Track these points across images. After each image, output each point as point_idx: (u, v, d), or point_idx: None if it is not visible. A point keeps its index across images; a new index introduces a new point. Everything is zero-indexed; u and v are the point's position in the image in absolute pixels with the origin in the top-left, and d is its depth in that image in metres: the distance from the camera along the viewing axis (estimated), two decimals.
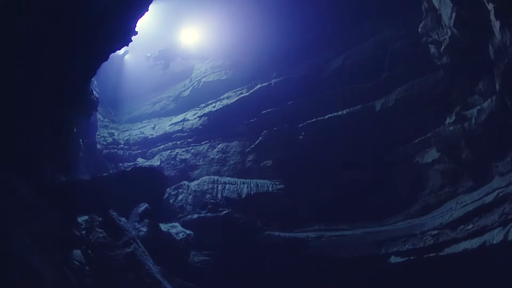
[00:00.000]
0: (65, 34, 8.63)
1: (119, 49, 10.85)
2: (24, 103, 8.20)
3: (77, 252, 7.47)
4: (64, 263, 6.43)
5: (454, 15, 9.95)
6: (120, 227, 8.12)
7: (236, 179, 13.42)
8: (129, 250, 7.85)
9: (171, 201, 12.67)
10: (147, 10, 10.25)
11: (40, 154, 8.91)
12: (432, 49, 11.14)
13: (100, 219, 8.38)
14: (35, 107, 8.61)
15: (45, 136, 9.17)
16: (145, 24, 11.37)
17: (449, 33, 10.28)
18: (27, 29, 7.61)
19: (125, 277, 7.68)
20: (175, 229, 11.18)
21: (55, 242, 6.53)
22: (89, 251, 7.63)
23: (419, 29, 11.31)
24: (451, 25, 10.10)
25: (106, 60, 10.64)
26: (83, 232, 7.86)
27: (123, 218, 8.60)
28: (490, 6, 8.72)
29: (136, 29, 10.55)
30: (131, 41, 10.92)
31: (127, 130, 16.89)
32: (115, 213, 8.37)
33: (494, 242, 8.13)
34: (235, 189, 12.92)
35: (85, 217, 8.89)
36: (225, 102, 15.25)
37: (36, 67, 8.31)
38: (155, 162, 15.08)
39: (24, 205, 6.27)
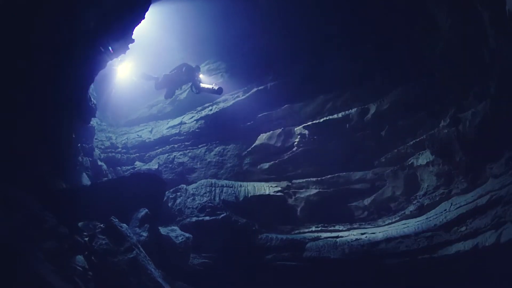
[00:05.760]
0: (65, 42, 8.75)
1: (117, 57, 11.02)
2: (23, 110, 8.31)
3: (79, 258, 7.63)
4: (70, 270, 6.60)
5: (449, 20, 10.15)
6: (122, 234, 8.25)
7: (233, 182, 13.56)
8: (132, 255, 7.97)
9: (169, 204, 12.77)
10: (144, 18, 10.36)
11: (41, 161, 9.05)
12: (428, 52, 11.33)
13: (102, 225, 8.53)
14: (35, 114, 8.71)
15: (45, 144, 9.29)
16: (141, 28, 11.43)
17: (445, 37, 10.48)
18: (29, 33, 7.72)
19: (127, 282, 7.82)
20: (174, 232, 11.27)
21: (61, 250, 6.71)
22: (92, 257, 7.78)
23: (416, 33, 11.50)
24: (447, 29, 10.29)
25: (104, 68, 10.85)
26: (86, 239, 8.01)
27: (124, 225, 8.72)
28: (485, 14, 8.92)
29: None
30: (128, 48, 11.12)
31: (125, 133, 16.95)
32: (117, 220, 8.48)
33: (487, 244, 8.33)
34: (233, 192, 13.07)
35: (87, 223, 9.07)
36: (221, 105, 15.39)
37: (35, 76, 8.42)
38: (153, 165, 15.18)
39: (32, 218, 6.43)
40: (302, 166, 13.47)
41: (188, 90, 16.05)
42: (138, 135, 16.61)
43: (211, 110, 15.58)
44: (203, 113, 15.74)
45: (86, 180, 12.16)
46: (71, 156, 11.02)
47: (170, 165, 15.22)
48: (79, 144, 12.13)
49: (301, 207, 12.82)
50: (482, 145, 9.86)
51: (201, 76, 14.77)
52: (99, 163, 14.06)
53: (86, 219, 9.05)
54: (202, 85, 14.43)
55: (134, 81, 16.03)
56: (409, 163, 11.64)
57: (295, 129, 13.65)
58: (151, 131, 16.64)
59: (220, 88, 13.84)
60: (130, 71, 15.81)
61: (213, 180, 13.65)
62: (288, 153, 13.73)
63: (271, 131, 14.10)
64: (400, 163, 11.84)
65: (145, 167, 15.19)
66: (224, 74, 16.02)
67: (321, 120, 13.15)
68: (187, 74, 14.69)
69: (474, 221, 8.94)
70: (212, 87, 14.01)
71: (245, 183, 13.48)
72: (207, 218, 12.24)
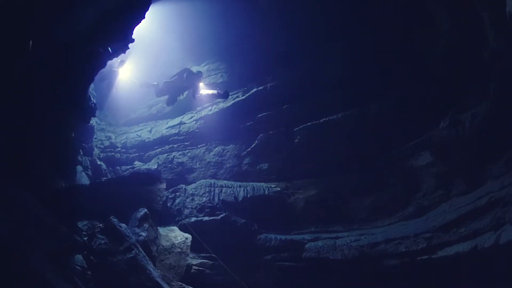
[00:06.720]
0: (64, 41, 8.75)
1: (116, 56, 11.02)
2: (23, 110, 8.31)
3: (79, 257, 7.65)
4: (70, 269, 6.61)
5: (449, 20, 10.16)
6: (121, 233, 8.27)
7: (232, 182, 13.54)
8: (131, 255, 8.01)
9: (168, 204, 12.77)
10: (144, 17, 10.34)
11: (41, 161, 9.05)
12: (428, 52, 11.32)
13: (101, 225, 8.55)
14: (34, 114, 8.72)
15: (45, 143, 9.29)
16: (141, 28, 11.42)
17: (445, 37, 10.48)
18: (29, 33, 7.70)
19: (127, 281, 7.85)
20: (174, 232, 11.28)
21: (61, 250, 6.72)
22: (91, 257, 7.80)
23: (415, 33, 11.50)
24: (447, 29, 10.30)
25: (104, 67, 10.83)
26: (85, 238, 8.02)
27: (124, 224, 8.75)
28: (485, 14, 8.93)
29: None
30: (128, 48, 11.10)
31: (124, 133, 16.93)
32: (116, 220, 8.51)
33: (486, 246, 8.34)
34: (232, 192, 13.05)
35: (86, 223, 9.06)
36: (221, 105, 15.31)
37: (35, 75, 8.41)
38: (153, 165, 15.17)
39: (32, 218, 6.44)
40: (301, 166, 13.45)
41: (187, 91, 15.95)
42: (137, 134, 16.58)
43: (210, 110, 15.53)
44: (203, 113, 15.70)
45: (85, 180, 12.17)
46: (70, 156, 11.02)
47: (170, 165, 15.20)
48: (78, 144, 12.13)
49: (300, 208, 12.80)
50: (482, 146, 9.86)
51: (201, 84, 14.21)
52: (99, 162, 14.07)
53: (86, 218, 9.04)
54: (205, 91, 14.00)
55: (133, 82, 15.97)
56: (409, 164, 11.64)
57: (295, 129, 13.62)
58: (150, 131, 16.61)
59: (226, 92, 13.48)
60: (130, 71, 15.74)
61: (212, 180, 13.63)
62: (288, 153, 13.70)
63: (271, 132, 14.07)
64: (400, 164, 11.83)
65: (145, 166, 15.18)
66: (224, 74, 15.97)
67: (321, 120, 13.13)
68: (188, 81, 14.19)
69: (473, 222, 8.94)
70: (218, 92, 13.59)
71: (244, 183, 13.45)
72: (206, 218, 12.24)
